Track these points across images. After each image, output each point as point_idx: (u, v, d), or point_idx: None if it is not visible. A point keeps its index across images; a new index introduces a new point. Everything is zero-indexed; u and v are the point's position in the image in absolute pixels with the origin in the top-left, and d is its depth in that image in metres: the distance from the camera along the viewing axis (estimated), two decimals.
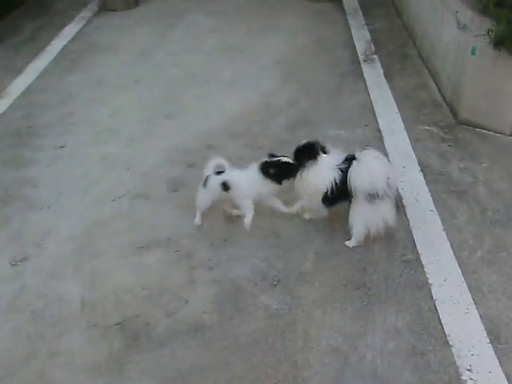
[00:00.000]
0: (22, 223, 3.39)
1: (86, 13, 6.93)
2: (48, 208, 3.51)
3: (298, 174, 2.96)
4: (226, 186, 3.07)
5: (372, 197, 2.72)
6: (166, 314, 2.68)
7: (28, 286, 2.92)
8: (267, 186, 3.03)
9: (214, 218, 3.28)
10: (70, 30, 6.36)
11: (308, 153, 2.95)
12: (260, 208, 3.18)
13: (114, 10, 6.93)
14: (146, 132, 4.28)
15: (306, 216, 3.19)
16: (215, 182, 3.10)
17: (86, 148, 4.11)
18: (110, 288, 2.86)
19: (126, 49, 5.84)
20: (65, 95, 4.88)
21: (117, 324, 2.64)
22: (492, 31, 3.22)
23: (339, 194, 2.85)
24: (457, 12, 3.88)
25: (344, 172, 2.80)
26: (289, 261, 2.94)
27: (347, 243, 2.99)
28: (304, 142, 3.04)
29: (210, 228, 3.23)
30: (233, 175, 3.11)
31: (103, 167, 3.88)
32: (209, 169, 3.19)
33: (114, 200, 3.54)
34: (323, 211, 3.05)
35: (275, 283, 2.80)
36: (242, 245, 3.08)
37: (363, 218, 2.85)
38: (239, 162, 3.72)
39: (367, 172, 2.73)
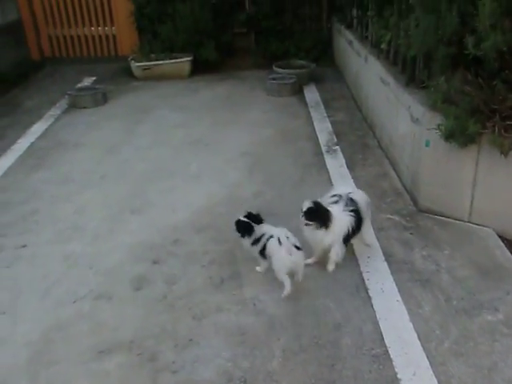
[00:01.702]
0: None
1: (56, 111, 7.10)
2: (3, 313, 3.35)
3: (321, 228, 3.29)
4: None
5: None
6: None
7: None
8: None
9: (179, 317, 3.19)
10: (38, 128, 6.46)
11: (320, 210, 3.30)
12: (222, 303, 3.14)
13: (84, 108, 7.13)
14: (111, 228, 4.25)
15: (331, 267, 3.47)
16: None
17: (48, 247, 4.03)
18: None
19: (94, 145, 5.93)
20: (29, 193, 4.85)
21: None
22: (442, 126, 3.41)
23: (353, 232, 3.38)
24: (409, 107, 4.11)
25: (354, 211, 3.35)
26: (255, 359, 2.84)
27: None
28: (308, 203, 3.33)
29: (175, 327, 3.13)
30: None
31: (65, 266, 3.78)
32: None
33: (75, 301, 3.42)
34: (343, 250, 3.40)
35: None
36: (208, 344, 2.98)
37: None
38: (204, 258, 3.75)
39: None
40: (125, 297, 3.44)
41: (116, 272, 3.69)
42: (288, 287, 3.22)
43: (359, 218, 3.40)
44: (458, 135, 3.30)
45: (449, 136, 3.37)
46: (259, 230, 3.38)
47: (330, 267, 3.48)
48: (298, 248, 3.17)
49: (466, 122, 3.24)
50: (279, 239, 3.19)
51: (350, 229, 3.35)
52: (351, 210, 3.35)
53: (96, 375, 2.84)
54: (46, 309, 3.37)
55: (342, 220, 3.34)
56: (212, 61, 8.29)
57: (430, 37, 3.36)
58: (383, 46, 4.90)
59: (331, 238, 3.35)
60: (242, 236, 3.44)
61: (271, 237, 3.25)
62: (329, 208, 3.36)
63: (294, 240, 3.19)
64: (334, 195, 3.49)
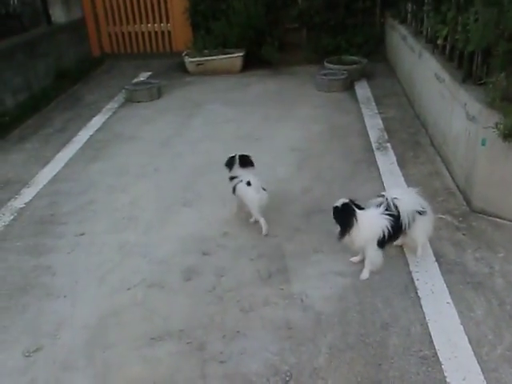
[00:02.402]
0: (38, 312, 3.41)
1: (113, 104, 7.36)
2: (64, 297, 3.54)
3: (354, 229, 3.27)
4: None
5: None
6: None
7: (38, 378, 2.89)
8: None
9: (227, 308, 3.28)
10: (96, 121, 6.74)
11: (345, 211, 3.29)
12: (270, 297, 3.19)
13: (139, 102, 7.35)
14: (164, 220, 4.38)
15: (364, 275, 3.43)
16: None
17: (104, 236, 4.21)
18: (121, 382, 2.82)
19: (148, 138, 6.11)
20: (87, 184, 5.07)
21: None
22: (500, 124, 3.31)
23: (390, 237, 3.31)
24: (465, 104, 4.01)
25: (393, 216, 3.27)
26: (302, 355, 2.88)
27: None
28: (339, 202, 3.33)
29: (223, 318, 3.22)
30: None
31: (120, 255, 3.95)
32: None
33: (129, 289, 3.57)
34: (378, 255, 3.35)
35: (287, 379, 2.73)
36: (255, 337, 3.04)
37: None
38: (253, 252, 3.82)
39: None
40: (176, 287, 3.55)
41: (168, 262, 3.81)
42: (264, 225, 4.00)
43: (398, 224, 3.28)
44: None
45: (507, 135, 3.27)
46: (237, 171, 4.08)
47: (364, 275, 3.41)
48: (263, 189, 3.94)
49: None
50: (249, 182, 3.90)
51: (386, 233, 3.24)
52: (390, 215, 3.26)
53: (148, 361, 2.95)
54: (103, 295, 3.54)
55: (374, 224, 3.26)
56: (265, 57, 8.33)
57: (490, 31, 3.25)
58: (439, 41, 4.79)
59: (362, 240, 3.29)
60: (226, 166, 4.15)
61: (241, 181, 3.96)
62: (358, 210, 3.27)
63: (260, 183, 3.92)
64: (381, 196, 3.42)
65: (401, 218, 3.29)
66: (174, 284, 3.58)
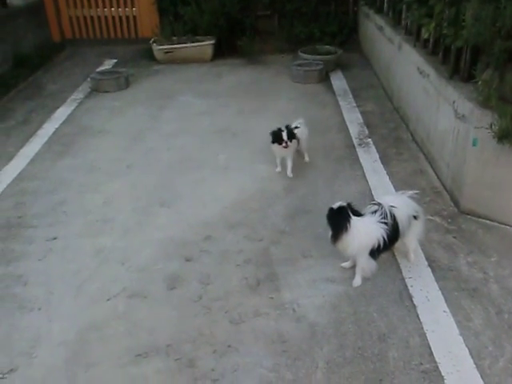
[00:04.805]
0: (10, 328, 3.16)
1: (78, 95, 6.99)
2: (39, 309, 3.29)
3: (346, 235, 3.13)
4: None
5: None
6: None
7: None
8: None
9: (215, 320, 3.11)
10: (61, 113, 6.37)
11: (339, 216, 3.16)
12: (260, 307, 3.05)
13: (106, 92, 7.00)
14: (141, 222, 4.16)
15: (356, 282, 3.31)
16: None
17: (79, 240, 3.95)
18: None
19: (118, 131, 5.83)
20: (57, 182, 4.77)
21: None
22: (496, 125, 3.24)
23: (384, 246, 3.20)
24: (454, 102, 3.93)
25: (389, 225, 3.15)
26: (299, 371, 2.75)
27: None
28: (336, 205, 3.20)
29: (212, 331, 3.05)
30: None
31: (97, 262, 3.71)
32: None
33: (109, 299, 3.35)
34: (372, 265, 3.24)
35: None
36: (248, 351, 2.90)
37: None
38: (239, 257, 3.66)
39: None
40: (159, 296, 3.36)
41: (149, 269, 3.61)
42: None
43: (393, 233, 3.19)
44: None
45: (503, 136, 3.20)
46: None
47: (356, 282, 3.31)
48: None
49: None
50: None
51: (381, 243, 3.13)
52: (385, 223, 3.14)
53: (134, 380, 2.77)
54: (80, 306, 3.31)
55: (369, 232, 3.14)
56: (237, 44, 8.08)
57: (486, 29, 3.14)
58: (426, 35, 4.68)
59: (355, 248, 3.16)
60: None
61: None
62: (354, 217, 3.15)
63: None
64: (375, 204, 3.29)
65: (396, 227, 3.19)
66: (157, 293, 3.39)
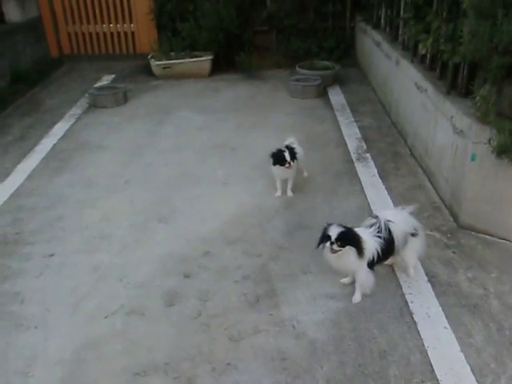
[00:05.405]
0: (6, 346, 3.12)
1: (76, 110, 7.00)
2: (35, 327, 3.25)
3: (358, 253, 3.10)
4: None
5: None
6: None
7: None
8: None
9: (214, 337, 3.08)
10: (59, 128, 6.37)
11: (353, 234, 3.12)
12: (259, 324, 3.02)
13: (104, 107, 7.01)
14: (139, 238, 4.13)
15: (356, 298, 3.29)
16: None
17: (76, 256, 3.92)
18: None
19: (116, 147, 5.82)
20: (54, 198, 4.75)
21: None
22: (494, 141, 3.24)
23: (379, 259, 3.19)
24: (452, 117, 3.94)
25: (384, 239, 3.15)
26: None
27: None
28: (337, 227, 3.10)
29: (211, 349, 3.02)
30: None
31: (95, 278, 3.68)
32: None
33: (106, 317, 3.31)
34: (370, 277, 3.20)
35: None
36: (247, 369, 2.86)
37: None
38: (237, 273, 3.63)
39: None
40: (157, 313, 3.33)
41: (147, 286, 3.58)
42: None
43: (388, 247, 3.18)
44: None
45: (501, 152, 3.20)
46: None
47: (356, 298, 3.28)
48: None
49: None
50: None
51: (375, 256, 3.13)
52: (381, 237, 3.14)
53: None
54: (78, 324, 3.27)
55: (367, 245, 3.14)
56: (235, 60, 8.12)
57: (483, 45, 3.16)
58: (423, 50, 4.71)
59: (357, 262, 3.14)
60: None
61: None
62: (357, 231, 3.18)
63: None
64: (374, 217, 3.30)
65: (392, 241, 3.18)
66: (155, 310, 3.35)
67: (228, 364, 2.91)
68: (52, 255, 3.94)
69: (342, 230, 3.07)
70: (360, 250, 3.09)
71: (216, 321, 3.22)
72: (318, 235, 3.21)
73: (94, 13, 9.14)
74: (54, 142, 5.96)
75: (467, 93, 3.90)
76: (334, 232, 3.06)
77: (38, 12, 8.91)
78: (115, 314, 3.33)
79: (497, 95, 3.36)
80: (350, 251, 3.08)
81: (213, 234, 4.10)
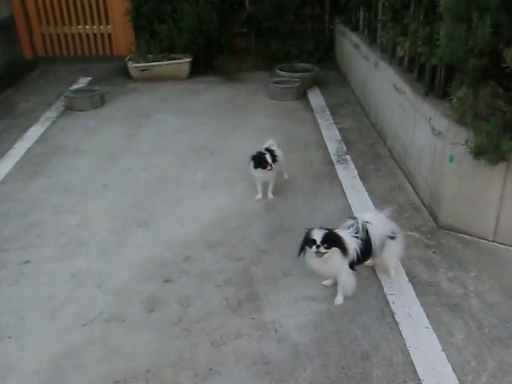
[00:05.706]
0: None
1: (51, 113, 6.87)
2: (9, 338, 3.15)
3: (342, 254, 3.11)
4: None
5: None
6: None
7: None
8: None
9: (196, 343, 3.03)
10: (34, 132, 6.23)
11: (337, 236, 3.12)
12: (241, 328, 2.99)
13: (81, 110, 6.90)
14: (118, 243, 4.06)
15: (339, 300, 3.28)
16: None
17: (52, 263, 3.83)
18: None
19: (94, 151, 5.72)
20: (29, 203, 4.64)
21: None
22: (471, 142, 3.27)
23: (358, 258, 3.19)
24: (430, 119, 3.97)
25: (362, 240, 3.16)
26: None
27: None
28: (320, 231, 3.08)
29: (193, 355, 2.97)
30: None
31: (72, 285, 3.60)
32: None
33: (85, 324, 3.24)
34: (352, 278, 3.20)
35: None
36: (230, 374, 2.82)
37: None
38: (219, 277, 3.59)
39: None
40: (137, 320, 3.26)
41: (126, 292, 3.51)
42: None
43: (366, 248, 3.18)
44: (490, 152, 3.16)
45: (478, 153, 3.23)
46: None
47: (338, 300, 3.28)
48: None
49: (498, 139, 3.10)
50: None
51: (355, 256, 3.14)
52: (359, 237, 3.16)
53: None
54: (55, 333, 3.19)
55: (349, 245, 3.15)
56: (214, 62, 8.08)
57: (459, 47, 3.19)
58: (401, 53, 4.75)
59: (342, 263, 3.14)
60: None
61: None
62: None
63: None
64: (351, 218, 3.32)
65: (369, 242, 3.18)
66: (135, 317, 3.29)
67: (210, 369, 2.87)
68: (27, 262, 3.85)
69: (326, 231, 3.07)
70: (344, 250, 3.09)
71: (197, 326, 3.17)
72: (300, 238, 3.19)
73: (69, 14, 8.98)
74: (29, 146, 5.83)
75: (445, 94, 3.94)
76: (318, 235, 3.04)
77: (9, 12, 8.70)
78: (94, 322, 3.26)
79: (473, 97, 3.39)
80: (335, 252, 3.07)
81: (193, 238, 4.06)
